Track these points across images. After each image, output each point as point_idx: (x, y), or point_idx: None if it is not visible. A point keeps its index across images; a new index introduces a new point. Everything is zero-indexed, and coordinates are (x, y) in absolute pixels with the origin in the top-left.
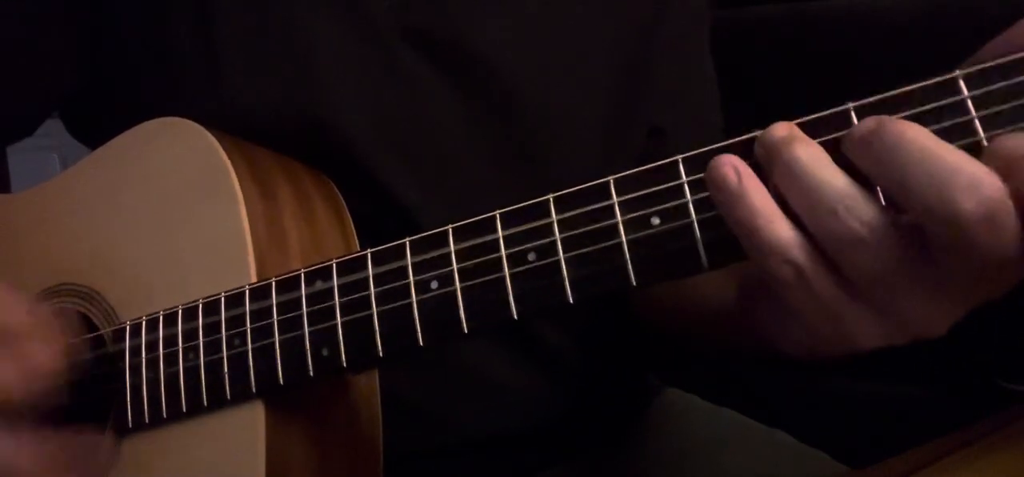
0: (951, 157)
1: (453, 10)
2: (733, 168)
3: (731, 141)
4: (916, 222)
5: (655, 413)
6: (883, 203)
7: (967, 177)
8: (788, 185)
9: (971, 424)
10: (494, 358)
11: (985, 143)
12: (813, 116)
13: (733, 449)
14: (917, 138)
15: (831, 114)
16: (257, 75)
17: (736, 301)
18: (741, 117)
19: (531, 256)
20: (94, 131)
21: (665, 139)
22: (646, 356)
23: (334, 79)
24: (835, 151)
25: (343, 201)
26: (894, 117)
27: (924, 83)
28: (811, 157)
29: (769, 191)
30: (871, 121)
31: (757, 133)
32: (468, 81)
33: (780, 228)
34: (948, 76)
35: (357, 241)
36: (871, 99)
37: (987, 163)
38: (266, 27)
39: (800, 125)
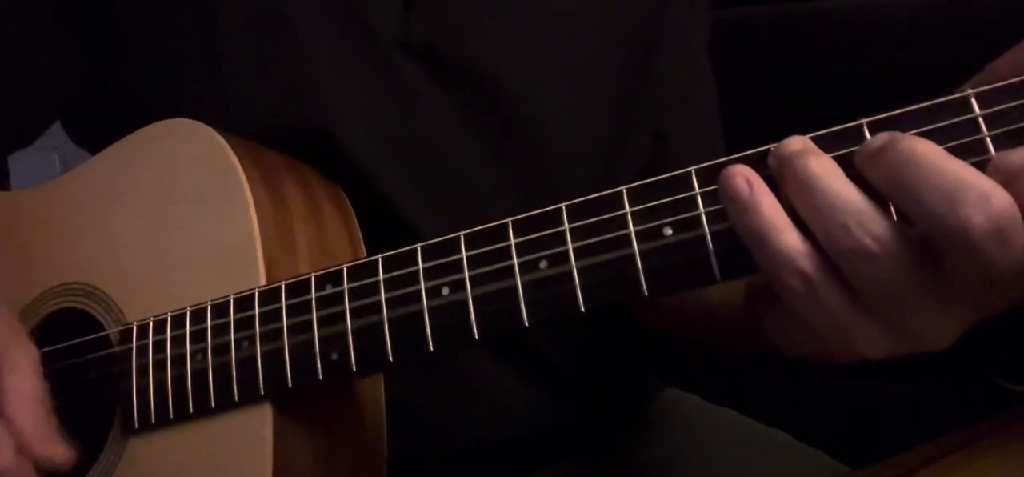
0: (961, 171)
1: (453, 22)
2: (745, 178)
3: (745, 153)
4: (926, 236)
5: (655, 413)
6: (895, 218)
7: (977, 191)
8: (800, 197)
9: (971, 424)
10: (493, 363)
11: None
12: (826, 131)
13: (733, 449)
14: (927, 153)
15: (844, 129)
16: (260, 87)
17: (742, 306)
18: (739, 117)
19: (543, 264)
20: (96, 140)
21: (666, 143)
22: (646, 356)
23: (335, 91)
24: (848, 166)
25: (350, 204)
26: (906, 133)
27: (937, 101)
28: (824, 170)
29: (781, 203)
30: (883, 137)
31: (771, 146)
32: (469, 92)
33: (789, 238)
34: (960, 94)
35: (363, 244)
36: (884, 115)
37: (991, 177)
38: (269, 39)
39: (813, 139)
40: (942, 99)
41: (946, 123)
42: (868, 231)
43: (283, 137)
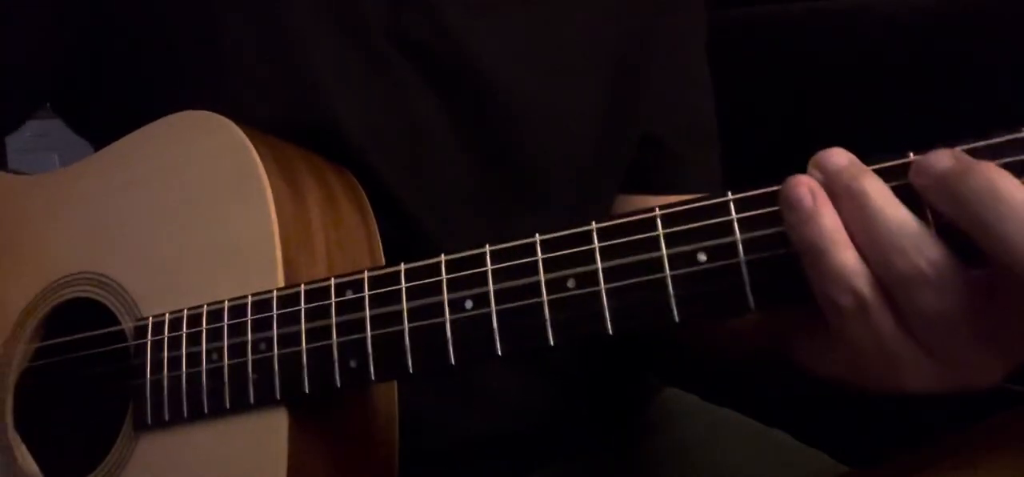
0: None
1: (444, 19)
2: (809, 189)
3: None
4: (999, 273)
5: (655, 413)
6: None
7: None
8: (855, 217)
9: (971, 424)
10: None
11: None
12: (877, 166)
13: (733, 449)
14: (1012, 189)
15: (894, 165)
16: (263, 81)
17: (765, 322)
18: (739, 118)
19: (570, 283)
20: (97, 129)
21: (661, 147)
22: (645, 356)
23: (330, 86)
24: (901, 184)
25: (366, 198)
26: (980, 161)
27: (994, 139)
28: (878, 191)
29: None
30: (947, 160)
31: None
32: (459, 88)
33: (847, 255)
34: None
35: (380, 241)
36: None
37: None
38: (270, 34)
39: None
40: (1007, 136)
41: (1009, 160)
42: (925, 257)
43: (286, 131)
